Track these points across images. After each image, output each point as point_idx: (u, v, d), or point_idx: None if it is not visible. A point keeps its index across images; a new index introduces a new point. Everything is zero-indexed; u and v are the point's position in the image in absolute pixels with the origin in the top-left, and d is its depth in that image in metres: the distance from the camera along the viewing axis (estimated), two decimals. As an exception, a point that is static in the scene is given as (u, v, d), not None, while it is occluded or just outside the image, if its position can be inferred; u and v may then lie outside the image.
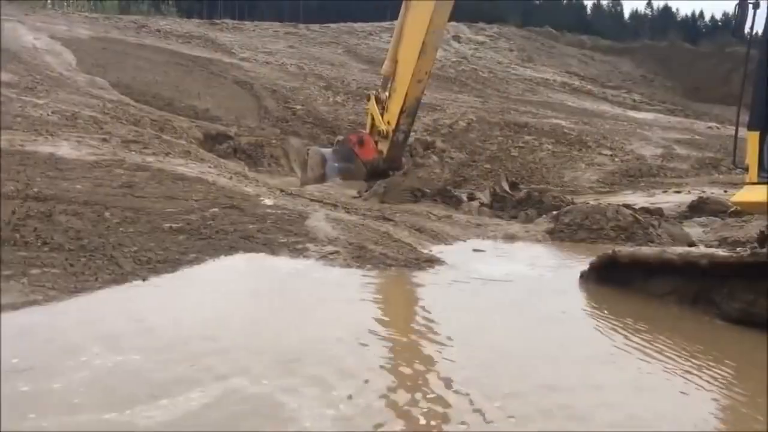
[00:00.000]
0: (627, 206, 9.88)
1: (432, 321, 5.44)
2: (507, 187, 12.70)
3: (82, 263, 5.80)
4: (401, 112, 12.01)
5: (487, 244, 8.57)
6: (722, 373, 4.49)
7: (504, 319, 5.47)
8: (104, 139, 11.13)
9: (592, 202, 10.42)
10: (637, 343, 4.99)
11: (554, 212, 9.77)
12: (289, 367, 4.09)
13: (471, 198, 11.87)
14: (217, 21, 36.86)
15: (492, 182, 13.67)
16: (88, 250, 6.11)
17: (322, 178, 13.20)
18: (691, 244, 8.68)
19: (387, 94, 12.37)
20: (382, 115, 12.39)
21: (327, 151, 13.78)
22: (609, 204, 9.76)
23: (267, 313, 5.25)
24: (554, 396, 3.96)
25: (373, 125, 12.68)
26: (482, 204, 11.41)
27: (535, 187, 13.62)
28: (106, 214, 7.15)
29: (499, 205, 11.40)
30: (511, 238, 8.96)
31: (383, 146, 12.38)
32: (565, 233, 8.96)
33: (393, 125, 12.16)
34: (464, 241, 8.60)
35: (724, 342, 5.25)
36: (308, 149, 14.81)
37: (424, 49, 11.57)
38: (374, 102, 12.61)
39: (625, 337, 5.15)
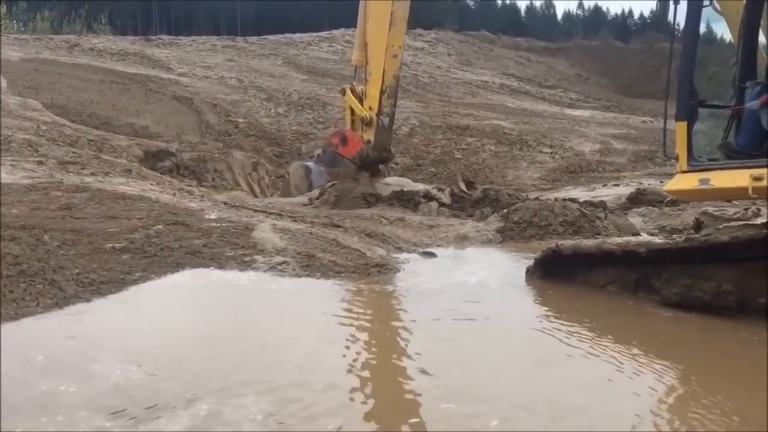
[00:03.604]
0: (572, 200, 10.12)
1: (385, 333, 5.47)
2: (464, 187, 12.88)
3: (22, 289, 5.63)
4: (381, 93, 11.71)
5: (437, 245, 8.63)
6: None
7: (453, 325, 5.49)
8: (40, 162, 10.82)
9: (542, 199, 10.61)
10: (583, 336, 5.13)
11: (504, 210, 9.91)
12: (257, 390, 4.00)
13: (429, 198, 11.79)
14: (153, 37, 36.18)
15: (446, 183, 13.79)
16: (27, 275, 5.93)
17: (309, 190, 12.90)
18: (636, 234, 8.97)
19: (362, 85, 12.11)
20: (361, 103, 12.08)
21: (310, 163, 13.48)
22: (556, 200, 9.97)
23: (218, 332, 5.18)
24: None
25: (353, 120, 12.36)
26: (442, 204, 11.44)
27: (490, 187, 13.75)
28: (45, 237, 6.95)
29: (458, 205, 11.47)
30: (462, 238, 9.02)
31: (369, 135, 11.99)
32: (515, 231, 9.09)
33: (375, 109, 11.79)
34: (415, 243, 8.63)
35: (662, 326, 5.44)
36: (290, 167, 14.24)
37: (393, 20, 11.42)
38: (350, 94, 12.27)
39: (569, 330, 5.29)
